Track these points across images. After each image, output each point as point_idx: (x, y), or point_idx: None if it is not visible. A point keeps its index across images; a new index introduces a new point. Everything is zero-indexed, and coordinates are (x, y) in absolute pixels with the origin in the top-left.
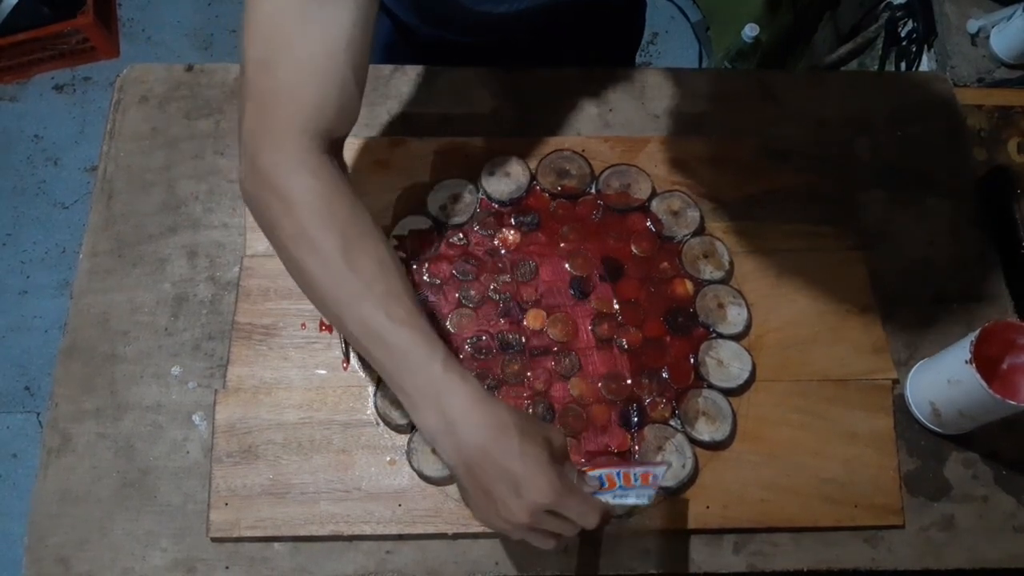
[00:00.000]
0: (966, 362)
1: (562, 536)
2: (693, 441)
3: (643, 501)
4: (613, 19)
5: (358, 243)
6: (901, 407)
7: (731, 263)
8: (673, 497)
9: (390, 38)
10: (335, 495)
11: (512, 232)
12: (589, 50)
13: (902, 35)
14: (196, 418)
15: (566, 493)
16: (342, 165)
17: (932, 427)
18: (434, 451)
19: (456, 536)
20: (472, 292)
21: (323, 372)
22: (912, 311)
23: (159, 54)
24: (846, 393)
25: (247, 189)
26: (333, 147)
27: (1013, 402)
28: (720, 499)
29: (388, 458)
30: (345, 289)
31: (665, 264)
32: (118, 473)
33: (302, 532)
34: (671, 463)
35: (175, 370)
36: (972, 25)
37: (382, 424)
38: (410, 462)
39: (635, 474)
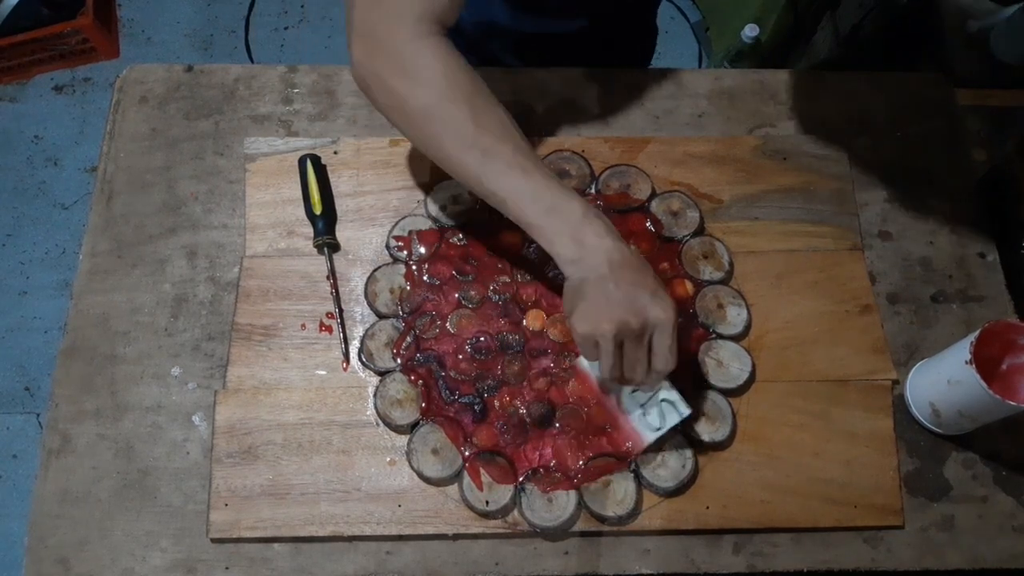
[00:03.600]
0: (966, 362)
1: (642, 367)
2: (693, 441)
3: (684, 409)
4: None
5: (484, 110)
6: (901, 407)
7: (731, 263)
8: (673, 497)
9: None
10: (335, 496)
11: (512, 233)
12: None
13: (902, 35)
14: (196, 419)
15: (676, 319)
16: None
17: (932, 427)
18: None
19: (456, 537)
20: (472, 292)
21: (323, 373)
22: (911, 311)
23: (159, 55)
24: (846, 393)
25: (366, 73)
26: (445, 31)
27: (1013, 402)
28: (720, 499)
29: (388, 459)
30: (479, 152)
31: (665, 264)
32: (118, 474)
33: (302, 533)
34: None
35: (175, 371)
36: (972, 25)
37: (382, 425)
38: (410, 463)
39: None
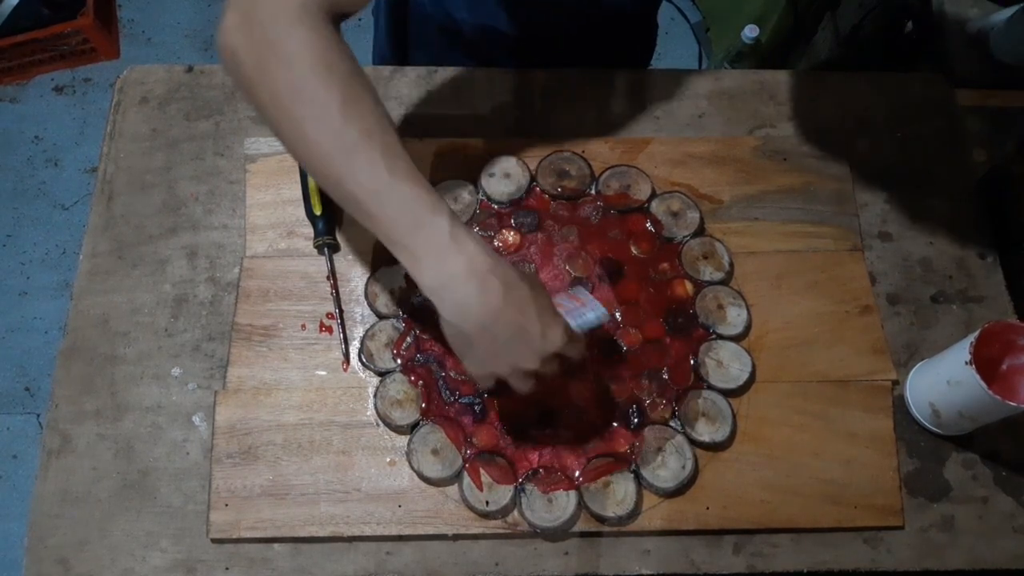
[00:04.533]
0: (966, 363)
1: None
2: (693, 442)
3: (600, 314)
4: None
5: (356, 99)
6: (901, 408)
7: (731, 264)
8: (673, 498)
9: (432, 37)
10: (335, 496)
11: (512, 233)
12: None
13: (902, 35)
14: (196, 419)
15: (569, 338)
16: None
17: (932, 428)
18: (425, 301)
19: (456, 537)
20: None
21: (323, 373)
22: (911, 312)
23: (159, 55)
24: (846, 394)
25: (234, 42)
26: (334, 19)
27: (1013, 403)
28: (720, 500)
29: (388, 459)
30: (343, 143)
31: (665, 265)
32: (118, 474)
33: (302, 533)
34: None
35: (175, 371)
36: (972, 26)
37: (382, 425)
38: (410, 463)
39: (576, 292)
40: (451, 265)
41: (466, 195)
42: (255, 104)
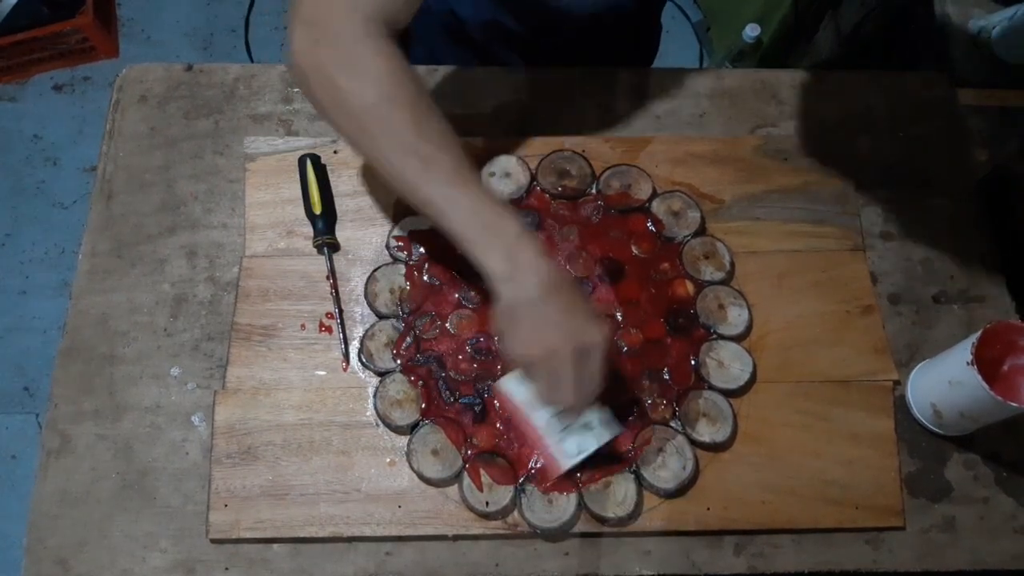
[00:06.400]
0: (967, 363)
1: (573, 391)
2: (694, 442)
3: (604, 434)
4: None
5: (426, 116)
6: (902, 408)
7: (732, 264)
8: (673, 498)
9: (434, 33)
10: (335, 496)
11: None
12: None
13: (903, 35)
14: (195, 419)
15: (608, 343)
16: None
17: (933, 428)
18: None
19: (456, 538)
20: (472, 293)
21: (322, 373)
22: (913, 312)
23: (158, 54)
24: (847, 394)
25: (307, 63)
26: (394, 34)
27: (1014, 403)
28: (721, 500)
29: (388, 459)
30: (417, 157)
31: (666, 265)
32: (117, 474)
33: (302, 533)
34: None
35: (174, 371)
36: (973, 25)
37: (382, 425)
38: (410, 463)
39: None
40: (520, 253)
41: None
42: (329, 121)
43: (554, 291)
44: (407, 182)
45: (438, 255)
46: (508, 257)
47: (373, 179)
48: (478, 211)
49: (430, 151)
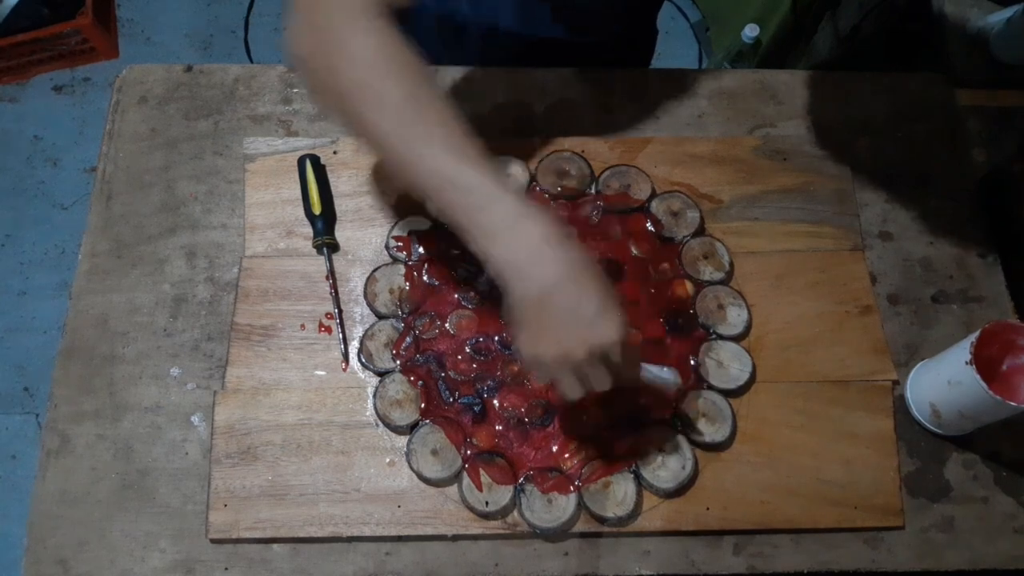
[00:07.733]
0: (966, 363)
1: (588, 386)
2: (693, 442)
3: (672, 378)
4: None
5: (422, 91)
6: (901, 408)
7: (731, 264)
8: (673, 498)
9: (432, 33)
10: (334, 496)
11: None
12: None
13: (902, 35)
14: (195, 419)
15: (625, 337)
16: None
17: (932, 428)
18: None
19: (455, 538)
20: (472, 293)
21: (322, 373)
22: (912, 312)
23: (158, 55)
24: (846, 394)
25: (301, 48)
26: (391, 14)
27: (1013, 403)
28: (720, 500)
29: (387, 459)
30: (413, 135)
31: (665, 265)
32: (117, 474)
33: (301, 533)
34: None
35: (174, 371)
36: (972, 25)
37: (381, 425)
38: (409, 463)
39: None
40: (524, 235)
41: None
42: (324, 104)
43: (561, 285)
44: (399, 159)
45: (437, 255)
46: (513, 236)
47: (373, 180)
48: (473, 190)
49: (422, 125)
